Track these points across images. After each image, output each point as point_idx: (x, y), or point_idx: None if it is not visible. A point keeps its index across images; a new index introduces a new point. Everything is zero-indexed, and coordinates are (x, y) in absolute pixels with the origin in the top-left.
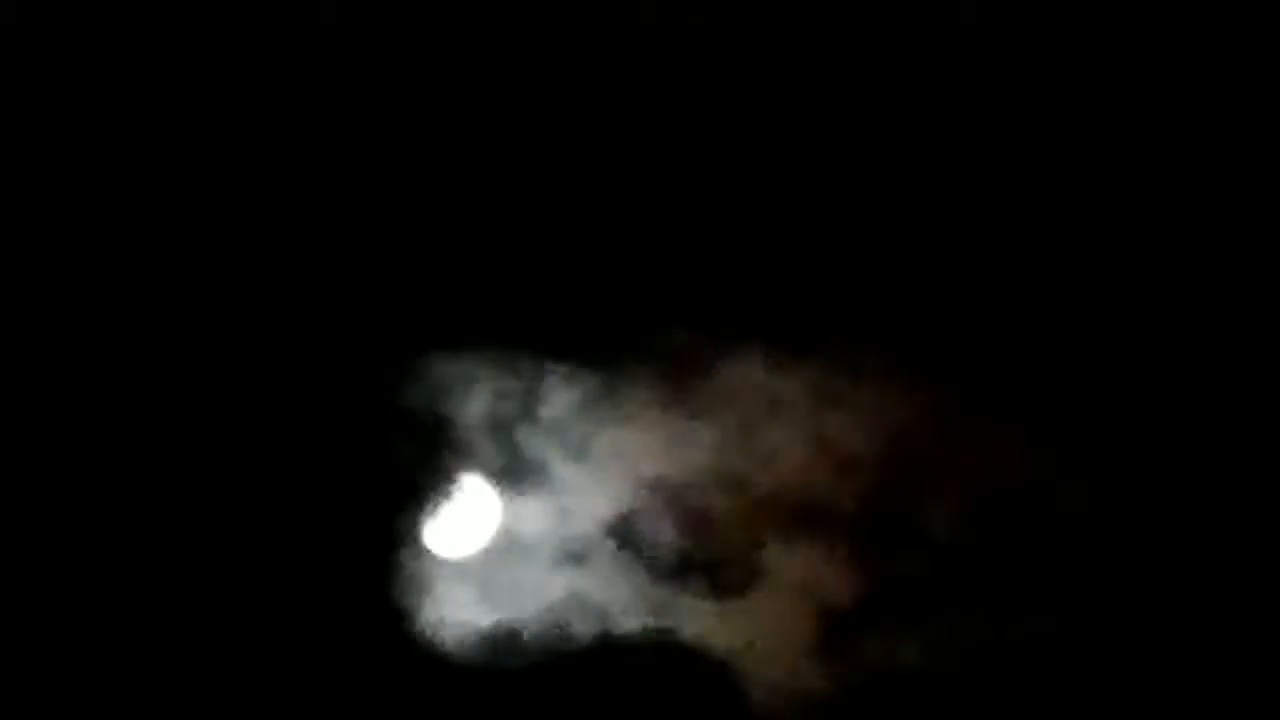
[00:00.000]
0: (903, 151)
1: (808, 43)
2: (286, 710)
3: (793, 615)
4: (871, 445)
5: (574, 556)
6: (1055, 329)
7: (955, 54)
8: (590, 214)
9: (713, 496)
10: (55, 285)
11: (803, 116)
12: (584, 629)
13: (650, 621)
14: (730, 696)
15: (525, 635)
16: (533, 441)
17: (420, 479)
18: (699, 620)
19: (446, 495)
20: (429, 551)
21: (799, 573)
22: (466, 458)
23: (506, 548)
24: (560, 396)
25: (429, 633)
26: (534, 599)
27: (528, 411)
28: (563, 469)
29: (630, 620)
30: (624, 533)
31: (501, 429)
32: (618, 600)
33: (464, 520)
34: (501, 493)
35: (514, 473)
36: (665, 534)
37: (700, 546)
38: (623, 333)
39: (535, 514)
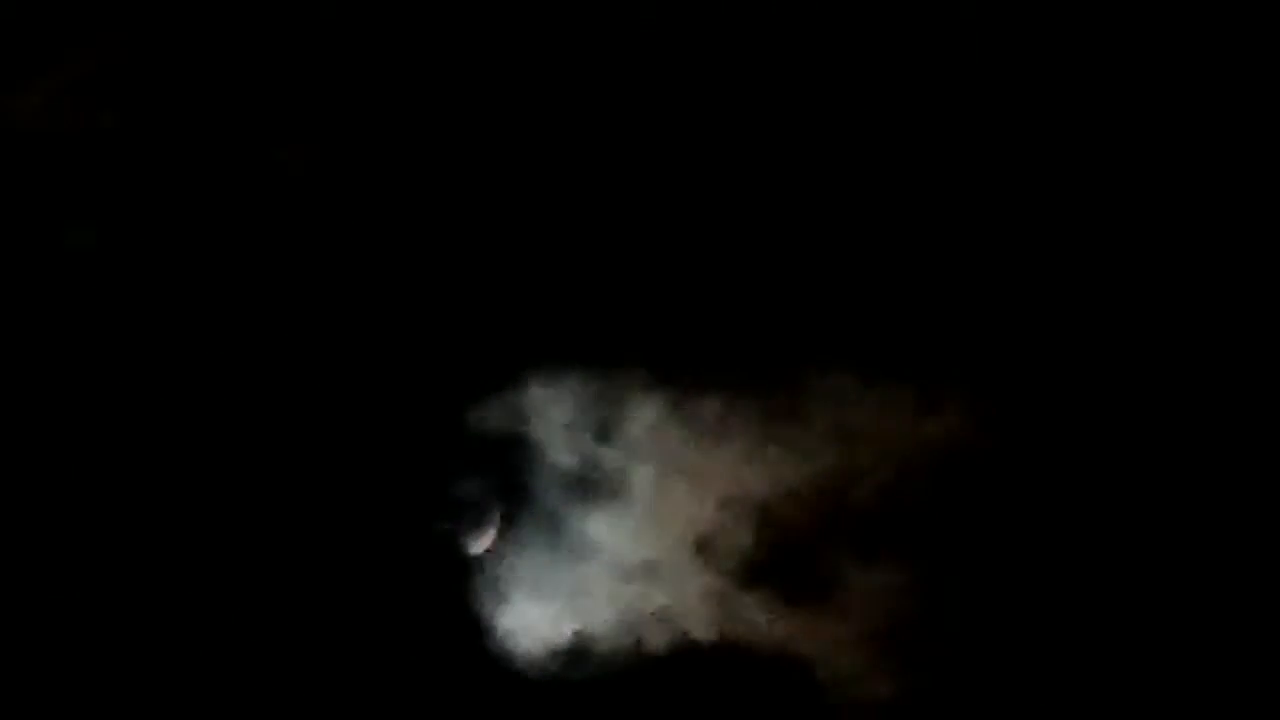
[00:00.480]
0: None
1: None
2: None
3: (865, 626)
4: (947, 462)
5: (650, 567)
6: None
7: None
8: (672, 233)
9: (789, 509)
10: (144, 290)
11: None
12: (659, 639)
13: (724, 631)
14: (803, 706)
15: (601, 645)
16: (612, 455)
17: (501, 491)
18: (773, 630)
19: (526, 507)
20: (507, 561)
21: (872, 584)
22: (548, 471)
23: (585, 558)
24: (640, 411)
25: (507, 642)
26: (610, 609)
27: (609, 425)
28: (641, 482)
29: (705, 629)
30: (700, 544)
31: (582, 443)
32: (693, 610)
33: (542, 531)
34: (580, 504)
35: (594, 485)
36: (741, 545)
37: (775, 558)
38: (701, 348)
39: (613, 525)
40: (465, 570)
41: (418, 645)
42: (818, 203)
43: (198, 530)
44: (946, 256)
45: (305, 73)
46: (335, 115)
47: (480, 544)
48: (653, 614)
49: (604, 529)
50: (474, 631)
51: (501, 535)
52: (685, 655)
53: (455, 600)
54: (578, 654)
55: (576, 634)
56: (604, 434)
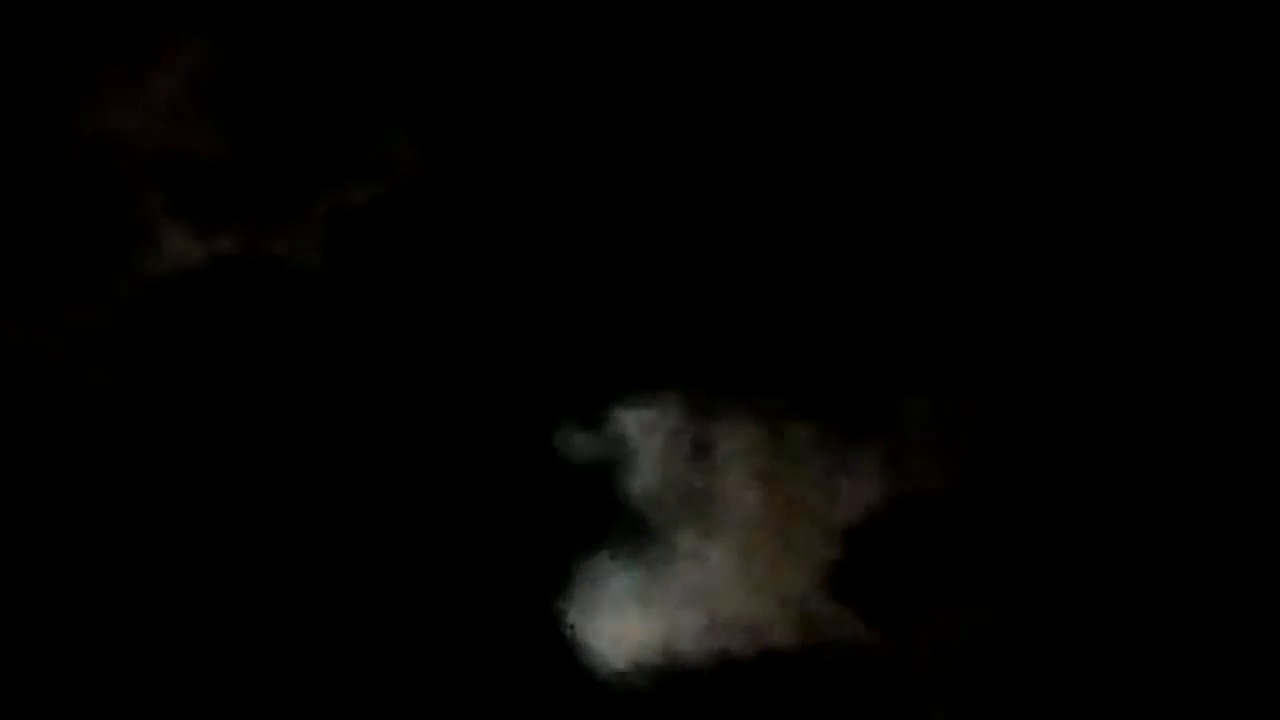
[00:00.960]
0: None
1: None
2: None
3: (948, 640)
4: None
5: (739, 582)
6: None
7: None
8: (767, 258)
9: (877, 528)
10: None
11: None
12: (748, 652)
13: (811, 644)
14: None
15: (690, 658)
16: (700, 476)
17: (591, 510)
18: (858, 643)
19: (617, 523)
20: (597, 579)
21: (955, 601)
22: (641, 490)
23: (675, 574)
24: (732, 433)
25: (597, 655)
26: (700, 623)
27: (701, 446)
28: (733, 503)
29: (792, 643)
30: (790, 561)
31: (675, 462)
32: (780, 624)
33: (632, 547)
34: (671, 522)
35: (684, 503)
36: (830, 562)
37: (862, 575)
38: (792, 373)
39: (704, 542)
40: (556, 586)
41: (509, 659)
42: (905, 234)
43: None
44: (1022, 284)
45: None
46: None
47: (569, 562)
48: (742, 627)
49: (693, 546)
50: (564, 645)
51: (591, 551)
52: (771, 667)
53: (546, 615)
54: (666, 666)
55: (666, 647)
56: (696, 454)
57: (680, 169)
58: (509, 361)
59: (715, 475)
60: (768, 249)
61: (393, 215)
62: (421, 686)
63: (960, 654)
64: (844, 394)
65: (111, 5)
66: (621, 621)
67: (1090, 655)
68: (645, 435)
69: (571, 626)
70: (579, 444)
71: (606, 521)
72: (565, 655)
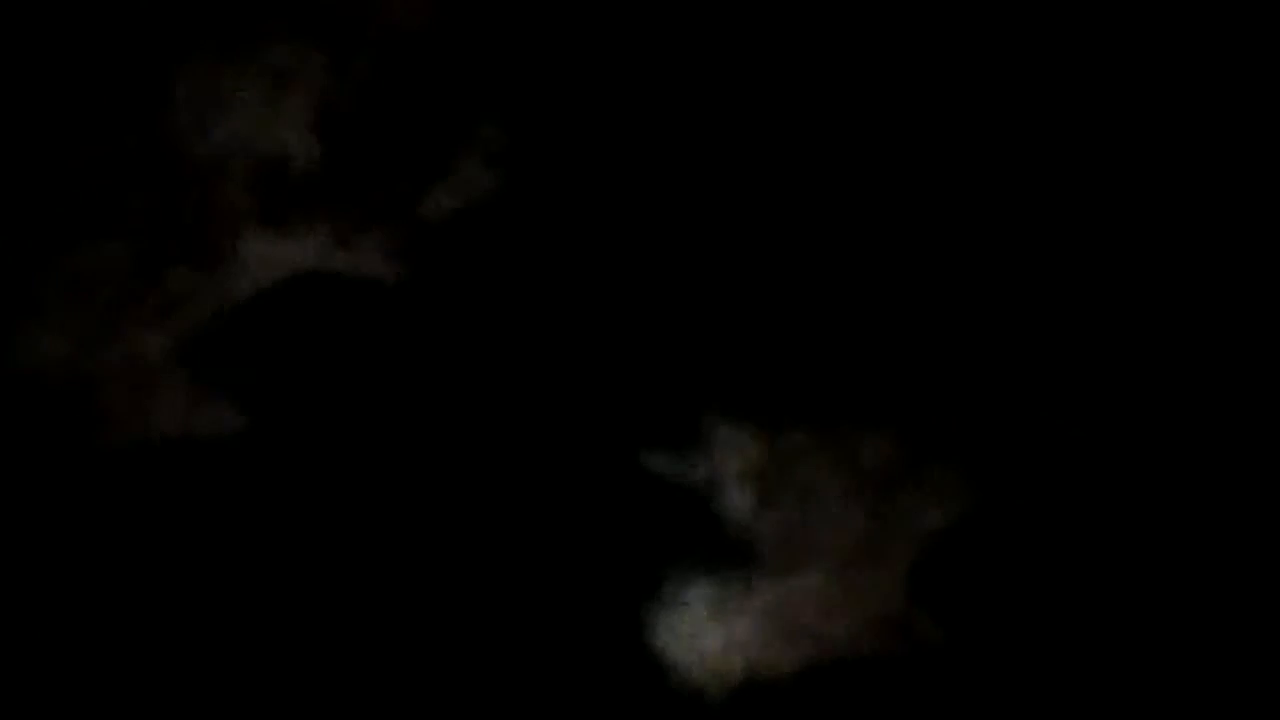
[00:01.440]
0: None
1: None
2: None
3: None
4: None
5: (811, 597)
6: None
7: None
8: (848, 289)
9: (942, 545)
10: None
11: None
12: (825, 665)
13: (884, 653)
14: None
15: (769, 673)
16: (784, 492)
17: (675, 525)
18: (927, 650)
19: (700, 537)
20: (688, 601)
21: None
22: (724, 506)
23: (751, 592)
24: (805, 460)
25: (677, 672)
26: (778, 638)
27: (774, 473)
28: (818, 519)
29: (863, 651)
30: (862, 578)
31: (749, 486)
32: (852, 637)
33: (722, 568)
34: (753, 539)
35: (767, 519)
36: (900, 577)
37: (927, 588)
38: (874, 391)
39: (777, 562)
40: (637, 604)
41: (591, 673)
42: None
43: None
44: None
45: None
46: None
47: (657, 581)
48: (812, 639)
49: (777, 561)
50: (644, 661)
51: (680, 571)
52: (854, 682)
53: (630, 630)
54: (748, 681)
55: (748, 663)
56: (768, 479)
57: (771, 186)
58: (594, 376)
59: (798, 491)
60: (861, 272)
61: (477, 228)
62: (505, 698)
63: (1040, 664)
64: (924, 410)
65: (211, 12)
66: (704, 636)
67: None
68: (730, 451)
69: (653, 641)
70: (663, 459)
71: (690, 535)
72: (648, 671)
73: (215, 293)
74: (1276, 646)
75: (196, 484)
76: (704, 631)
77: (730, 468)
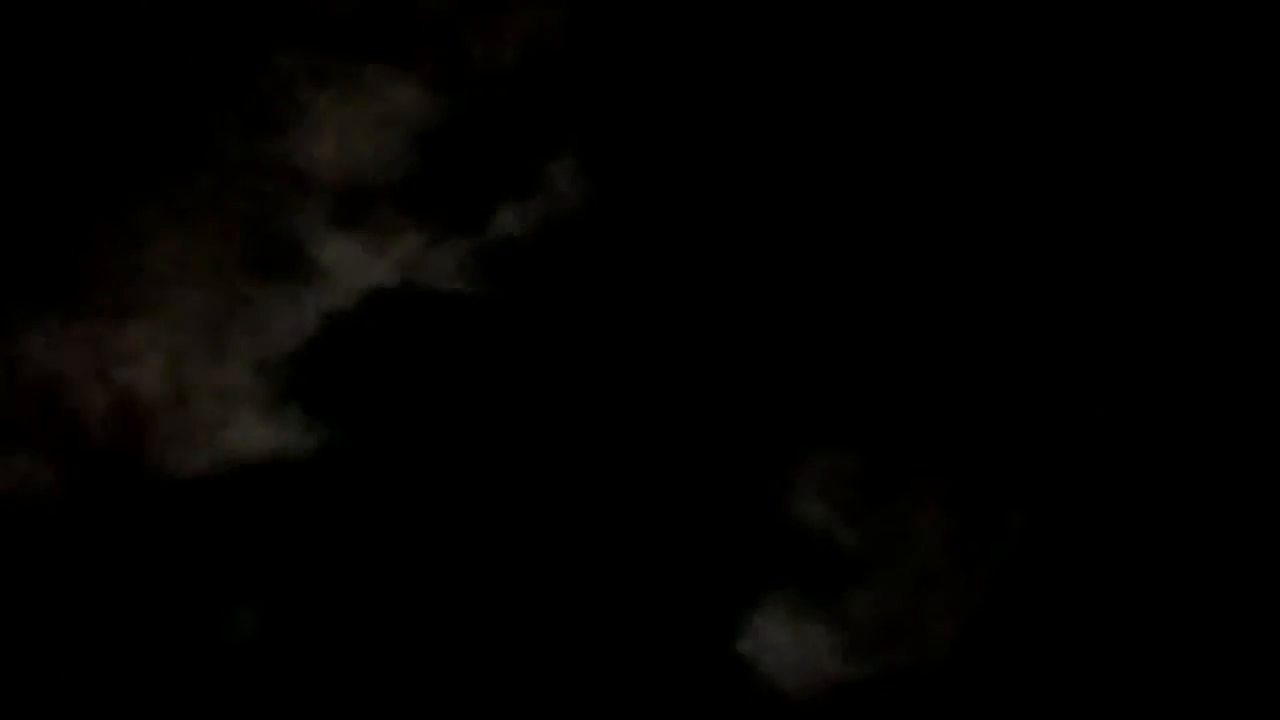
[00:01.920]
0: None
1: None
2: None
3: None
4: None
5: (903, 626)
6: None
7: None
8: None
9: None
10: None
11: None
12: (915, 678)
13: (974, 667)
14: None
15: (861, 691)
16: (874, 506)
17: (764, 536)
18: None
19: (790, 555)
20: (774, 610)
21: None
22: (812, 516)
23: (846, 600)
24: (896, 470)
25: (770, 681)
26: (867, 655)
27: (872, 503)
28: (905, 529)
29: (949, 663)
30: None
31: (846, 493)
32: (943, 657)
33: (807, 579)
34: (838, 550)
35: (857, 531)
36: (981, 589)
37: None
38: (940, 409)
39: (873, 568)
40: (726, 612)
41: (681, 681)
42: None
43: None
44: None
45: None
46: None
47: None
48: (896, 647)
49: (866, 573)
50: (731, 668)
51: (758, 579)
52: (928, 683)
53: (714, 640)
54: (831, 688)
55: (829, 671)
56: (853, 492)
57: (861, 196)
58: (683, 388)
59: (887, 505)
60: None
61: (553, 246)
62: (598, 700)
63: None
64: (1001, 423)
65: (310, 29)
66: (788, 644)
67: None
68: (816, 464)
69: (740, 649)
70: (747, 470)
71: (776, 546)
72: (734, 677)
73: (298, 306)
74: (1275, 646)
75: (276, 501)
76: (789, 639)
77: (815, 480)
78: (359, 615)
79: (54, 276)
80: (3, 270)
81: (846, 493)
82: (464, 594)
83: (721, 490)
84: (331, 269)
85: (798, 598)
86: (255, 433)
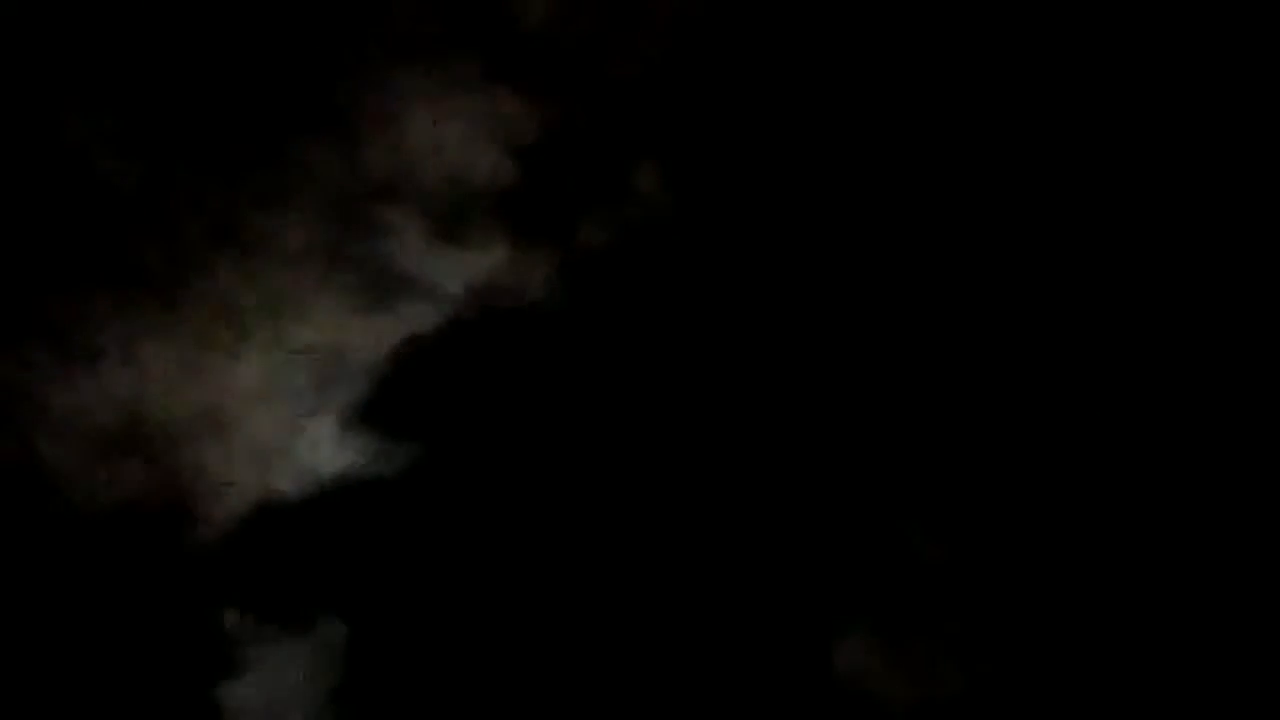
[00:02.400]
0: None
1: None
2: None
3: None
4: None
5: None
6: None
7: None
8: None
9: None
10: None
11: None
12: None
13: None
14: None
15: (951, 700)
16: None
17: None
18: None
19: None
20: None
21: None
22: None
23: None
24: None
25: (864, 699)
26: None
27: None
28: None
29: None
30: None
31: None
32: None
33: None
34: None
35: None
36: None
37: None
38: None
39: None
40: (820, 630)
41: (778, 695)
42: None
43: None
44: None
45: None
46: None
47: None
48: (979, 663)
49: (941, 598)
50: (826, 684)
51: (850, 599)
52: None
53: (811, 657)
54: (919, 704)
55: (919, 687)
56: (939, 514)
57: (929, 203)
58: (764, 401)
59: (972, 525)
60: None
61: (643, 255)
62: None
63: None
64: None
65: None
66: (878, 661)
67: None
68: (903, 488)
69: (835, 666)
70: (840, 493)
71: (869, 566)
72: (828, 693)
73: (386, 318)
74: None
75: (361, 512)
76: (878, 656)
77: (903, 506)
78: (445, 626)
79: (153, 294)
80: (108, 291)
81: (935, 515)
82: (551, 606)
83: (812, 511)
84: (421, 279)
85: (888, 618)
86: (338, 444)
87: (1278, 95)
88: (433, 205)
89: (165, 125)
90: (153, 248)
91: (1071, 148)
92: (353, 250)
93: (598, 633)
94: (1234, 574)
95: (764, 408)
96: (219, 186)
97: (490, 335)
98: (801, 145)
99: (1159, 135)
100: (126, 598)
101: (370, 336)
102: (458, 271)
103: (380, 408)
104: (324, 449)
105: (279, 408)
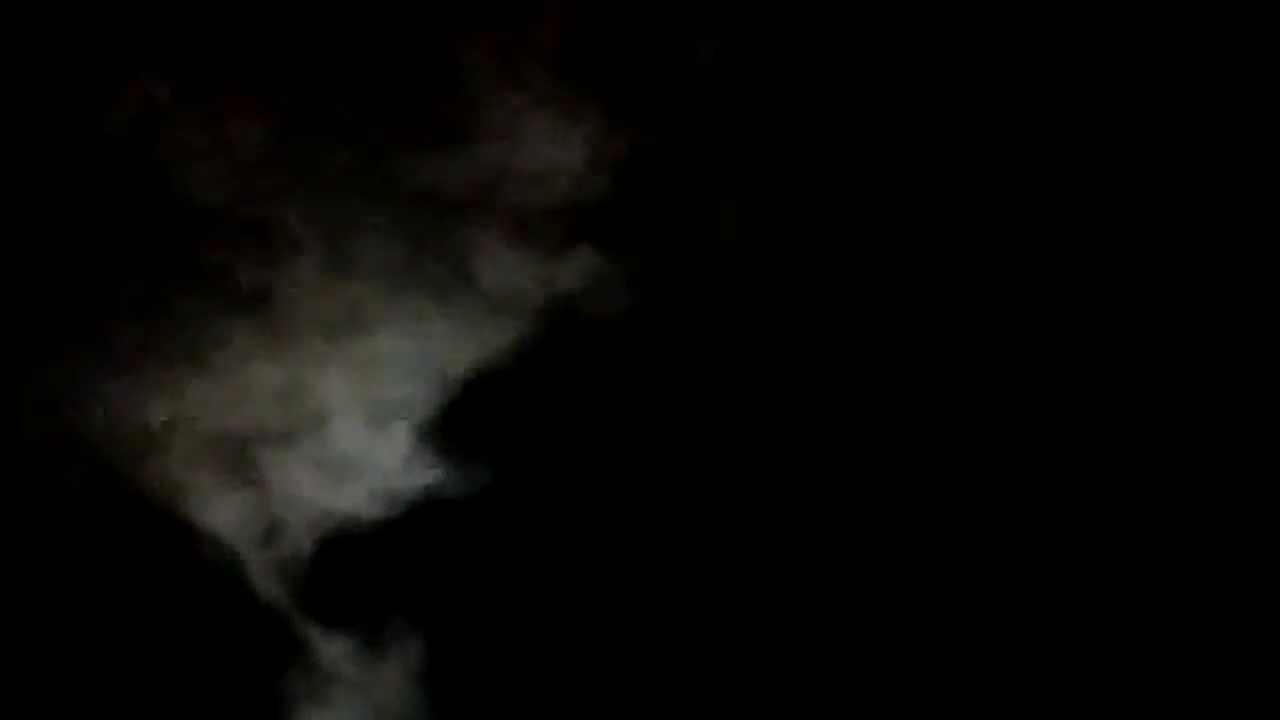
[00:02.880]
0: None
1: None
2: None
3: None
4: None
5: None
6: None
7: None
8: None
9: None
10: None
11: None
12: None
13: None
14: None
15: None
16: None
17: None
18: None
19: None
20: None
21: None
22: None
23: None
24: None
25: None
26: None
27: None
28: None
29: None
30: None
31: None
32: None
33: None
34: None
35: None
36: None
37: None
38: None
39: None
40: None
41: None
42: None
43: None
44: None
45: None
46: None
47: None
48: None
49: None
50: None
51: None
52: None
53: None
54: None
55: None
56: None
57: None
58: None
59: None
60: None
61: (719, 267)
62: None
63: None
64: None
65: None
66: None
67: None
68: None
69: None
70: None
71: None
72: None
73: (463, 325)
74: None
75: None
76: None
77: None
78: (524, 638)
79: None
80: (197, 302)
81: None
82: (626, 619)
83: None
84: (502, 291)
85: None
86: (418, 455)
87: (1278, 95)
88: (515, 217)
89: (255, 137)
90: (242, 259)
91: (1074, 152)
92: (436, 262)
93: (675, 650)
94: (1234, 574)
95: (843, 425)
96: (305, 198)
97: (569, 348)
98: (880, 176)
99: (1159, 137)
100: (209, 612)
101: (451, 348)
102: (539, 284)
103: (460, 419)
104: (403, 460)
105: (362, 418)
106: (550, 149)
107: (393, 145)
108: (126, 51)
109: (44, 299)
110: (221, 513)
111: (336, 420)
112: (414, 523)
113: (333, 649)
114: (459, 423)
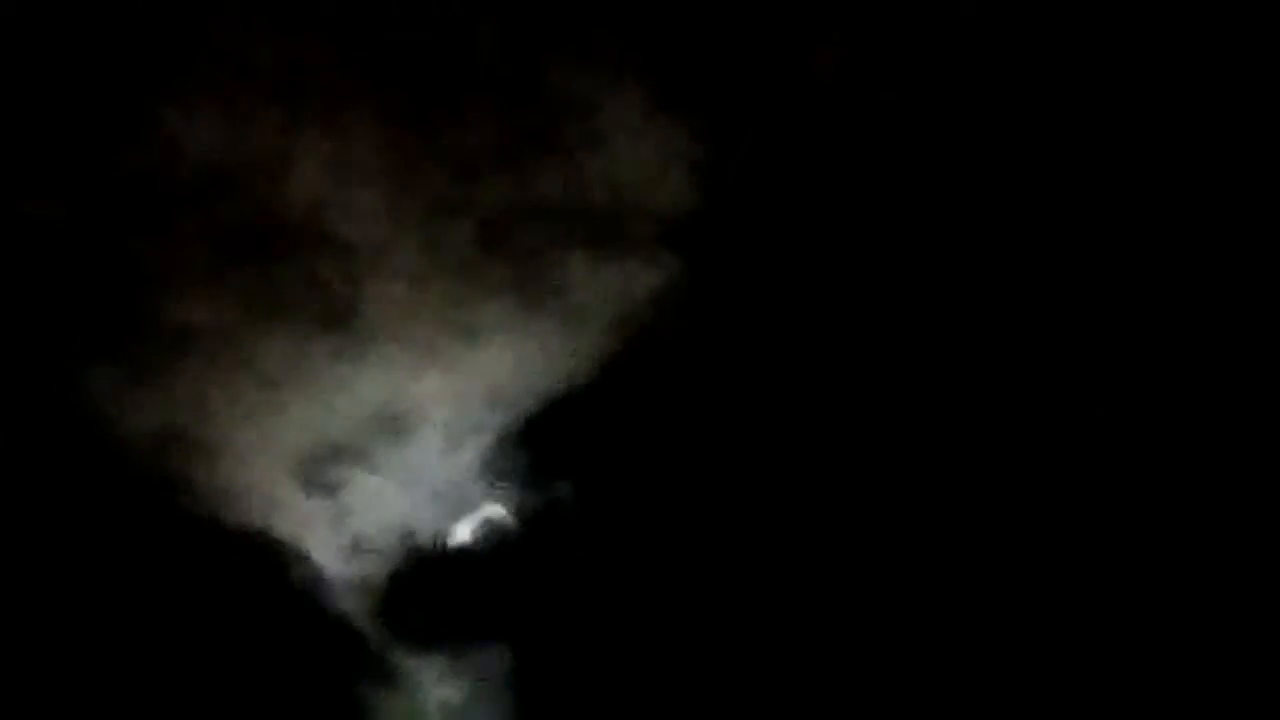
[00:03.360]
0: None
1: None
2: None
3: None
4: None
5: None
6: None
7: None
8: None
9: None
10: None
11: None
12: None
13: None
14: None
15: None
16: None
17: None
18: None
19: None
20: None
21: None
22: None
23: None
24: None
25: None
26: None
27: None
28: None
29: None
30: None
31: None
32: None
33: None
34: None
35: None
36: None
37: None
38: None
39: None
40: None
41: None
42: None
43: None
44: None
45: None
46: None
47: None
48: None
49: None
50: None
51: None
52: None
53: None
54: None
55: None
56: None
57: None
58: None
59: None
60: None
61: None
62: None
63: None
64: None
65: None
66: None
67: None
68: None
69: None
70: None
71: None
72: None
73: (553, 335)
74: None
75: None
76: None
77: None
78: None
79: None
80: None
81: None
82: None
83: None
84: (583, 298)
85: None
86: (501, 465)
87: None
88: (604, 230)
89: (346, 153)
90: (329, 276)
91: (1078, 157)
92: (523, 276)
93: (760, 663)
94: (1234, 574)
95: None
96: (394, 214)
97: (653, 362)
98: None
99: (1160, 140)
100: (292, 627)
101: (536, 362)
102: (626, 296)
103: (542, 434)
104: (486, 476)
105: (444, 435)
106: (635, 161)
107: (481, 160)
108: (212, 62)
109: (138, 315)
110: (305, 529)
111: (419, 436)
112: (495, 539)
113: (414, 664)
114: (541, 438)
